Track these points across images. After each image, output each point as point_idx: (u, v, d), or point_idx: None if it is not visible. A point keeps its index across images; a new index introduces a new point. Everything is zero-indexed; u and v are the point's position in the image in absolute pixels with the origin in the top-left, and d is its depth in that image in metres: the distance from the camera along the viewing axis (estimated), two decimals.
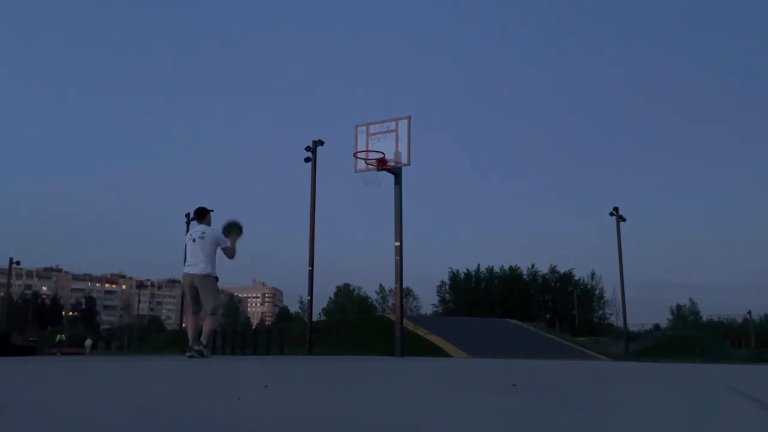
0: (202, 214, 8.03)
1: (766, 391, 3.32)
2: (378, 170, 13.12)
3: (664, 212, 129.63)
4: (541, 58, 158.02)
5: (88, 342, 49.82)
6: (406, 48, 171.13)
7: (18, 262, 48.45)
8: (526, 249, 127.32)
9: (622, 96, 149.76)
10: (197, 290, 7.68)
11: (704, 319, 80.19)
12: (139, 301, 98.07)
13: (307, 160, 22.38)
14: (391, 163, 13.07)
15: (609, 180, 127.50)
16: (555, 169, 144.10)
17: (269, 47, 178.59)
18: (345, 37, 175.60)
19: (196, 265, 7.64)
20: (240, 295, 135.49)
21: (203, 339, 7.70)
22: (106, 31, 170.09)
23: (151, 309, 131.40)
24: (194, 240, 7.71)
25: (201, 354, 7.56)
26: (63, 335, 46.82)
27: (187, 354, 7.67)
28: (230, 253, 7.89)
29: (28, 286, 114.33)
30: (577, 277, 75.59)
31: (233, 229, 8.04)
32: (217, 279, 7.78)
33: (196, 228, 7.93)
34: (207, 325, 7.71)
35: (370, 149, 13.26)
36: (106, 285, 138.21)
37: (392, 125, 13.28)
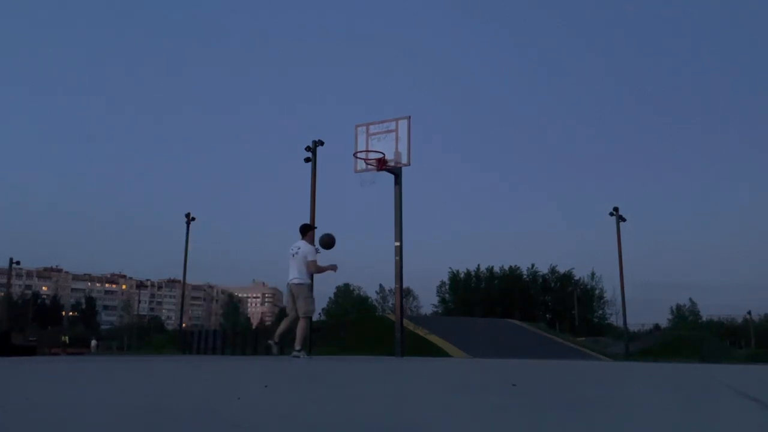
0: (303, 231, 9.20)
1: (766, 391, 3.33)
2: (378, 170, 13.11)
3: (664, 212, 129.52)
4: (541, 58, 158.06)
5: (93, 342, 50.33)
6: (406, 48, 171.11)
7: (18, 262, 48.46)
8: (526, 249, 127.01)
9: (622, 96, 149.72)
10: (294, 296, 8.96)
11: (704, 319, 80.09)
12: (139, 301, 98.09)
13: (307, 160, 22.38)
14: (391, 163, 13.06)
15: (609, 180, 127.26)
16: (555, 169, 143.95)
17: (269, 47, 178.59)
18: (345, 37, 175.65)
19: (295, 276, 8.92)
20: (240, 295, 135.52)
21: (297, 344, 8.77)
22: (110, 35, 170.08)
23: (151, 309, 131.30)
24: (293, 255, 8.98)
25: (297, 357, 8.55)
26: (67, 336, 47.05)
27: (268, 341, 9.04)
28: (311, 268, 9.00)
29: (28, 286, 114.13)
30: (577, 277, 75.49)
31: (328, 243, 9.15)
32: (310, 286, 9.07)
33: (296, 243, 9.09)
34: (300, 331, 8.85)
35: (370, 149, 13.25)
36: (106, 285, 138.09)
37: (392, 125, 13.27)
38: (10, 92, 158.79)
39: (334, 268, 9.20)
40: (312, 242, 9.12)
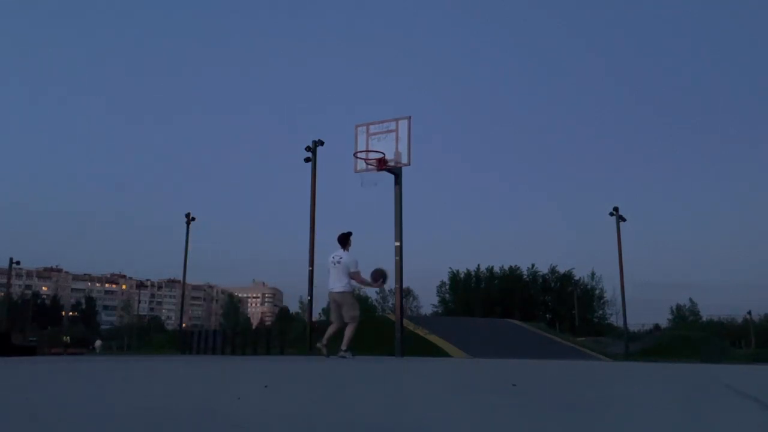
0: (344, 240, 9.41)
1: (766, 391, 3.33)
2: (378, 170, 13.11)
3: (664, 212, 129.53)
4: (541, 58, 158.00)
5: (99, 342, 50.83)
6: (406, 49, 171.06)
7: (18, 262, 48.46)
8: (526, 249, 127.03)
9: (622, 96, 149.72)
10: (339, 304, 9.29)
11: (704, 319, 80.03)
12: (139, 301, 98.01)
13: (307, 160, 22.38)
14: (391, 163, 13.06)
15: (609, 180, 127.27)
16: (555, 169, 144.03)
17: (269, 47, 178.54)
18: (345, 37, 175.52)
19: (337, 285, 9.25)
20: (240, 295, 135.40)
21: (344, 345, 9.20)
22: (110, 35, 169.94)
23: (151, 309, 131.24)
24: (335, 264, 9.27)
25: (344, 357, 8.96)
26: (68, 337, 47.21)
27: (317, 344, 9.47)
28: (356, 279, 9.38)
29: (28, 286, 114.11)
30: (577, 277, 75.39)
31: (380, 277, 9.60)
32: (353, 293, 9.48)
33: (337, 252, 9.37)
34: (348, 333, 9.22)
35: (370, 149, 13.25)
36: (106, 285, 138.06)
37: (392, 125, 13.27)
38: (11, 92, 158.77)
39: (380, 284, 9.64)
40: (349, 248, 9.46)
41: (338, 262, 9.24)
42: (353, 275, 9.28)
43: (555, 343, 32.44)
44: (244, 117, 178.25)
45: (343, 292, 9.25)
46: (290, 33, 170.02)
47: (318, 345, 9.32)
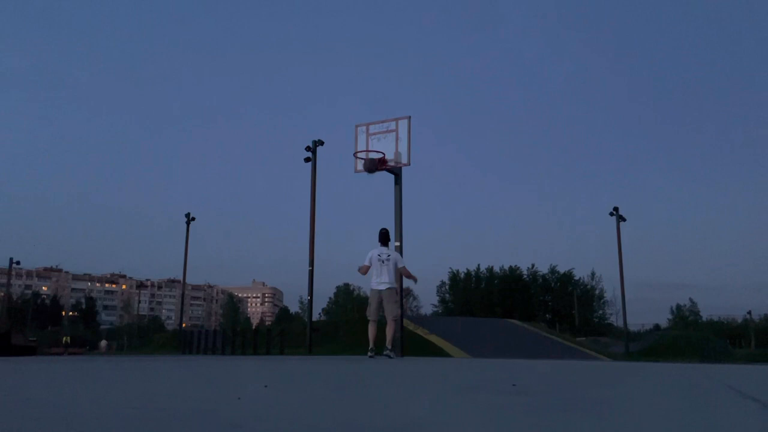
0: (386, 238, 9.70)
1: (766, 391, 3.33)
2: (378, 170, 13.11)
3: (664, 212, 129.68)
4: (541, 58, 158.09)
5: (104, 343, 51.21)
6: (406, 49, 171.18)
7: (18, 262, 48.48)
8: (526, 249, 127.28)
9: (622, 96, 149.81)
10: (384, 301, 9.46)
11: (704, 319, 79.99)
12: (139, 301, 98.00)
13: (307, 160, 22.38)
14: (391, 163, 13.07)
15: (609, 180, 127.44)
16: (555, 169, 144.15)
17: (270, 49, 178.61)
18: (345, 37, 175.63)
19: (384, 282, 9.45)
20: (240, 295, 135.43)
21: (388, 344, 9.41)
22: (111, 36, 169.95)
23: (151, 309, 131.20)
24: (382, 261, 9.47)
25: (388, 356, 9.20)
26: (69, 337, 47.29)
27: (368, 354, 9.40)
28: (405, 273, 9.73)
29: (28, 286, 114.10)
30: (577, 277, 75.37)
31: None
32: (398, 291, 9.70)
33: (382, 250, 9.58)
34: (390, 332, 9.43)
35: (370, 149, 13.25)
36: (106, 285, 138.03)
37: (392, 125, 13.27)
38: (10, 94, 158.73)
39: (415, 279, 9.80)
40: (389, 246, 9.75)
41: (387, 260, 9.48)
42: (403, 270, 9.60)
43: (555, 343, 32.43)
44: (244, 117, 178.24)
45: (391, 288, 9.46)
46: (291, 34, 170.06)
47: (370, 355, 9.34)
